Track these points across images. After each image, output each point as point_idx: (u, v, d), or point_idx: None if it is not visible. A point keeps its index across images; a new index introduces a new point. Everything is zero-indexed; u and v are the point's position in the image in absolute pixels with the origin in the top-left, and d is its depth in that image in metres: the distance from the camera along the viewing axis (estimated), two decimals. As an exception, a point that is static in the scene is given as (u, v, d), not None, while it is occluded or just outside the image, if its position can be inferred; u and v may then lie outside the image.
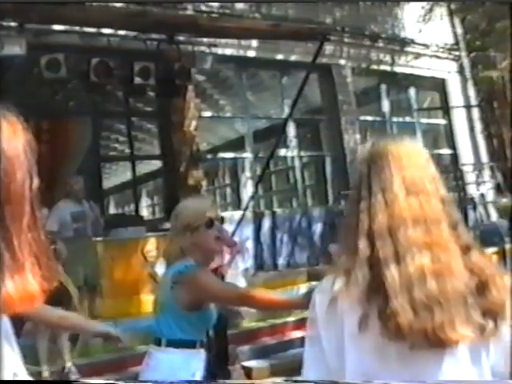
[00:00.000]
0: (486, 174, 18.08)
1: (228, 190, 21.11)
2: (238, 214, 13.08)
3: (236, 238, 11.10)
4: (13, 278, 1.20)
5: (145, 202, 22.39)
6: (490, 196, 17.19)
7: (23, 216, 1.24)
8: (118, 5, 12.12)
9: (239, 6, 14.21)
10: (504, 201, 16.76)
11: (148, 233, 11.14)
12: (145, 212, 21.53)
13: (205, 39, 11.51)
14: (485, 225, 15.26)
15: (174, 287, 3.56)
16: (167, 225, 10.75)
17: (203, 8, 13.44)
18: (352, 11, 16.05)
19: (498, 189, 17.53)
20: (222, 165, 19.72)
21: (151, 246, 10.52)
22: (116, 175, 20.60)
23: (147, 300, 8.89)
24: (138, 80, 9.98)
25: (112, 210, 22.45)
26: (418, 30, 16.40)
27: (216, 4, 13.79)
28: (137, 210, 15.18)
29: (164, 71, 10.47)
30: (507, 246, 12.58)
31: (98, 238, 10.09)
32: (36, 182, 1.30)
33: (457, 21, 18.25)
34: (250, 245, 13.65)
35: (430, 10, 16.26)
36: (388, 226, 1.76)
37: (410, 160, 1.87)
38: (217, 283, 3.96)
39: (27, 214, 1.25)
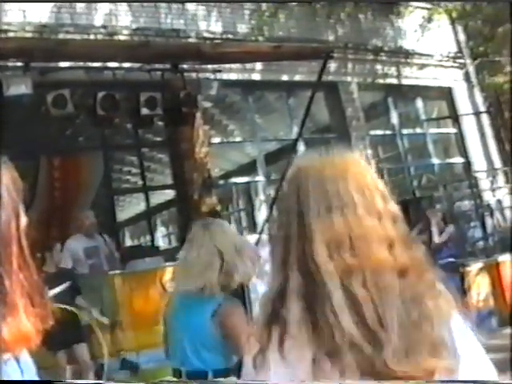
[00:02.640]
0: (501, 179, 17.98)
1: (243, 215, 21.08)
2: (253, 237, 13.04)
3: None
4: (6, 320, 1.17)
5: (160, 232, 22.36)
6: (507, 201, 17.07)
7: (12, 256, 1.21)
8: (122, 37, 12.27)
9: (242, 30, 14.29)
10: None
11: (165, 262, 11.12)
12: (161, 242, 21.49)
13: (209, 66, 11.56)
14: (503, 230, 15.15)
15: (214, 318, 3.51)
16: (184, 253, 10.82)
17: (206, 35, 13.53)
18: (353, 27, 16.10)
19: (515, 193, 17.42)
20: (236, 189, 19.71)
21: (169, 275, 10.49)
22: (130, 207, 20.62)
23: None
24: (144, 111, 10.01)
25: (128, 242, 22.44)
26: (420, 41, 16.44)
27: (219, 30, 13.89)
28: (152, 241, 15.19)
29: (170, 100, 10.51)
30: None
31: (115, 272, 10.07)
32: (24, 220, 1.27)
33: (459, 28, 18.27)
34: (267, 268, 13.56)
35: (429, 18, 16.28)
36: (301, 253, 1.55)
37: (335, 172, 1.60)
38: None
39: (16, 254, 1.23)
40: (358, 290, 1.47)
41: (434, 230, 11.17)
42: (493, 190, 17.13)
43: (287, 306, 1.52)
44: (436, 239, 11.04)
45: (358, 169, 1.63)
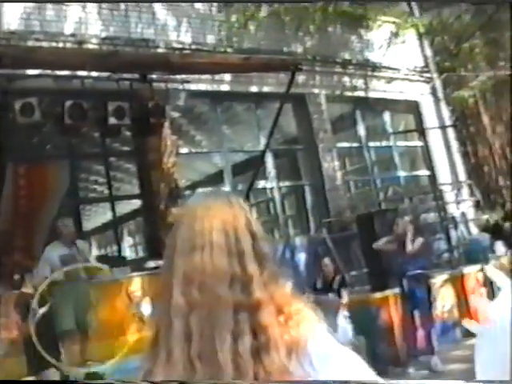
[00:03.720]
0: (465, 192, 18.20)
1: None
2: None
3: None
4: None
5: (127, 242, 22.25)
6: (471, 214, 17.29)
7: None
8: (91, 46, 12.21)
9: (211, 40, 14.31)
10: (484, 217, 16.87)
11: (132, 273, 11.06)
12: (128, 252, 21.40)
13: (177, 76, 11.55)
14: (468, 242, 15.33)
15: None
16: (151, 263, 10.77)
17: (175, 45, 13.53)
18: (322, 39, 16.20)
19: (478, 206, 17.65)
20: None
21: (136, 286, 10.43)
22: (96, 216, 20.48)
23: (134, 340, 8.85)
24: (112, 120, 9.97)
25: (94, 252, 22.29)
26: (388, 55, 16.61)
27: (188, 40, 13.89)
28: (119, 251, 15.09)
29: (138, 110, 10.48)
30: (492, 263, 12.58)
31: (86, 281, 10.01)
32: None
33: (426, 43, 18.49)
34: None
35: (397, 33, 16.46)
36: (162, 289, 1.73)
37: (204, 214, 1.74)
38: None
39: None
40: (193, 325, 1.61)
41: (408, 239, 11.25)
42: (457, 203, 17.33)
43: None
44: (409, 247, 11.13)
45: (230, 211, 1.74)
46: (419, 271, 11.02)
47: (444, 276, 13.15)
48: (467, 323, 3.38)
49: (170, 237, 1.77)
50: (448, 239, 15.30)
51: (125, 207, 17.78)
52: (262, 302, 1.63)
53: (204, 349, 1.60)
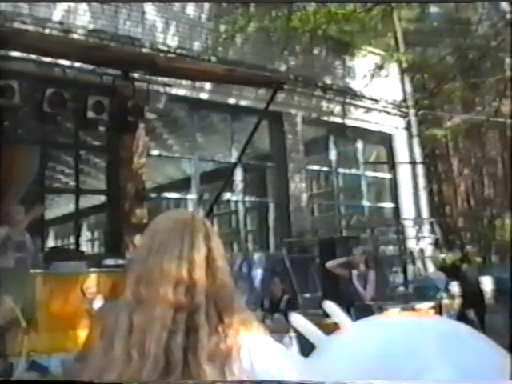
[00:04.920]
0: (426, 229, 18.41)
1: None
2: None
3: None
4: None
5: (85, 236, 22.07)
6: (429, 251, 17.49)
7: None
8: (76, 36, 12.14)
9: (196, 47, 14.33)
10: (441, 256, 17.07)
11: (89, 268, 10.95)
12: (84, 247, 21.22)
13: (160, 78, 11.53)
14: (423, 279, 15.47)
15: None
16: (109, 261, 10.68)
17: (160, 47, 13.52)
18: (306, 60, 16.33)
19: (437, 244, 17.86)
20: (166, 204, 19.64)
21: (91, 281, 10.34)
22: (58, 207, 20.30)
23: (83, 335, 8.77)
24: (91, 114, 9.90)
25: (51, 243, 22.06)
26: (369, 85, 16.78)
27: (174, 44, 13.89)
28: (78, 244, 14.95)
29: (117, 107, 10.42)
30: (445, 301, 12.74)
31: (38, 271, 9.88)
32: None
33: (406, 79, 18.72)
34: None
35: (381, 66, 16.66)
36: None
37: (168, 224, 1.95)
38: None
39: None
40: (135, 320, 1.78)
41: (354, 273, 11.31)
42: (417, 239, 17.52)
43: None
44: (355, 283, 11.19)
45: (190, 224, 1.93)
46: (368, 302, 11.08)
47: (396, 309, 13.24)
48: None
49: (138, 245, 1.97)
50: (404, 273, 15.44)
51: (87, 201, 17.64)
52: (201, 306, 1.77)
53: (142, 342, 1.74)
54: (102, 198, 15.01)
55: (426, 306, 13.38)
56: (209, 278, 1.82)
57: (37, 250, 9.82)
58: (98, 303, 9.74)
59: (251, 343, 1.76)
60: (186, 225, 1.92)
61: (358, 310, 10.97)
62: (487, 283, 13.49)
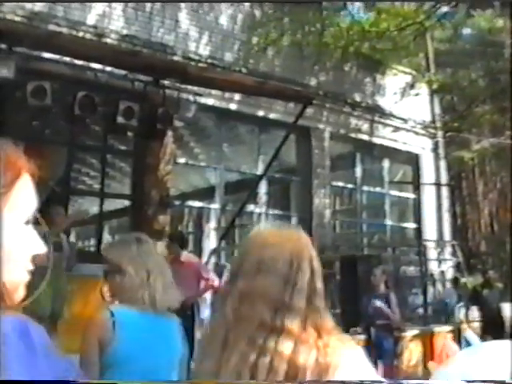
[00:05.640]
0: (448, 251, 18.29)
1: (190, 239, 21.01)
2: (199, 263, 13.02)
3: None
4: None
5: (105, 239, 22.11)
6: (450, 274, 17.36)
7: None
8: (110, 40, 12.23)
9: (228, 58, 14.36)
10: (463, 280, 16.92)
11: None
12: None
13: (190, 87, 11.55)
14: (443, 302, 15.37)
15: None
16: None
17: (192, 56, 13.57)
18: (336, 76, 16.32)
19: (458, 268, 17.71)
20: (188, 212, 19.65)
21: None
22: (81, 208, 20.36)
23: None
24: (120, 119, 9.93)
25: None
26: (398, 104, 16.74)
27: (205, 53, 13.94)
28: (99, 247, 14.98)
29: (147, 114, 10.45)
30: (464, 326, 12.62)
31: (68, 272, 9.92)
32: None
33: (436, 100, 18.66)
34: (208, 296, 13.53)
35: (412, 85, 16.61)
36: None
37: (275, 242, 1.93)
38: None
39: None
40: (231, 338, 1.84)
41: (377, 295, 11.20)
42: (439, 261, 17.40)
43: None
44: (377, 304, 11.09)
45: (298, 243, 1.93)
46: (388, 321, 10.99)
47: (415, 331, 13.16)
48: (431, 366, 3.53)
49: (239, 257, 1.99)
50: (424, 295, 15.33)
51: (110, 205, 17.69)
52: (294, 329, 1.81)
53: (229, 358, 1.81)
54: (126, 203, 15.04)
55: (444, 329, 13.32)
56: (307, 302, 1.86)
57: (72, 253, 9.82)
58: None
59: (347, 362, 1.80)
60: (294, 244, 1.92)
61: (378, 329, 10.92)
62: (508, 310, 13.35)
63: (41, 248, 1.42)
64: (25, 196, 1.38)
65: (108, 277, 3.62)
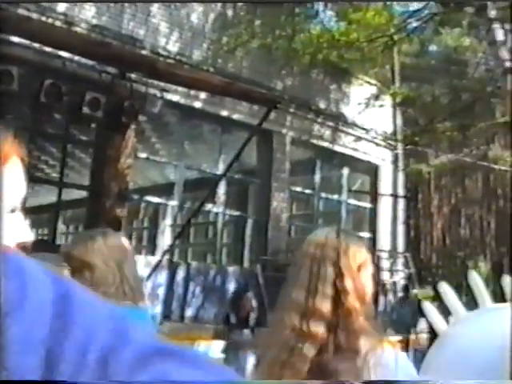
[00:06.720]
0: (400, 262, 18.49)
1: (145, 234, 20.94)
2: (152, 259, 13.00)
3: (149, 284, 11.04)
4: None
5: (59, 229, 21.89)
6: (401, 285, 17.54)
7: None
8: (79, 29, 12.11)
9: (196, 56, 14.34)
10: (414, 292, 17.11)
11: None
12: (57, 239, 21.07)
13: (157, 82, 11.49)
14: (392, 312, 15.51)
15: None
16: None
17: (160, 51, 13.51)
18: (303, 82, 16.40)
19: (410, 279, 17.91)
20: (145, 208, 19.57)
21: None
22: (36, 196, 20.13)
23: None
24: (86, 110, 9.85)
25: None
26: (361, 114, 16.88)
27: (174, 49, 13.89)
28: (54, 237, 14.86)
29: (113, 106, 10.38)
30: (412, 337, 12.79)
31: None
32: None
33: (398, 112, 18.86)
34: (161, 292, 13.51)
35: (377, 96, 16.76)
36: None
37: (304, 249, 2.03)
38: None
39: None
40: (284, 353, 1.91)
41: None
42: (391, 272, 17.58)
43: None
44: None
45: (323, 248, 1.98)
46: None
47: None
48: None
49: (297, 267, 2.02)
50: (376, 305, 15.46)
51: (67, 195, 17.52)
52: (319, 334, 1.89)
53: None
54: (83, 194, 14.92)
55: (394, 339, 13.43)
56: (335, 305, 1.91)
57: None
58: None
59: (381, 359, 1.84)
60: (316, 250, 1.98)
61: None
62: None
63: (28, 236, 1.39)
64: (12, 182, 1.36)
65: (75, 275, 3.56)
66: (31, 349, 0.63)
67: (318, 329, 1.88)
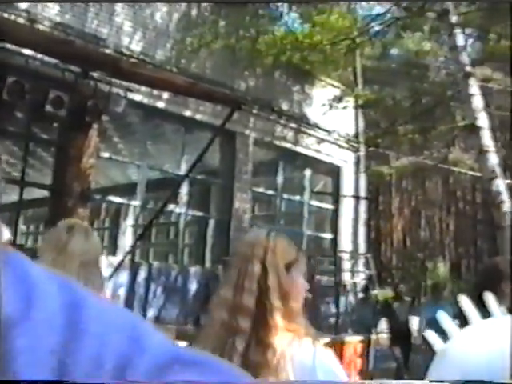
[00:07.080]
0: (361, 263, 18.63)
1: (106, 234, 20.80)
2: (114, 259, 12.94)
3: (110, 284, 11.01)
4: None
5: (19, 229, 21.66)
6: (362, 285, 17.68)
7: None
8: (42, 27, 12.01)
9: (160, 56, 14.31)
10: (374, 293, 17.27)
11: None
12: (17, 239, 20.84)
13: (120, 82, 11.45)
14: (354, 312, 15.65)
15: None
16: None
17: (124, 50, 13.46)
18: (266, 83, 16.45)
19: (370, 280, 18.06)
20: (106, 208, 19.46)
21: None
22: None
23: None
24: (49, 108, 9.79)
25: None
26: (324, 116, 16.98)
27: (137, 49, 13.85)
28: (15, 237, 14.67)
29: (77, 105, 10.32)
30: (373, 337, 12.90)
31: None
32: None
33: (360, 115, 19.02)
34: (121, 292, 13.45)
35: (340, 99, 16.88)
36: None
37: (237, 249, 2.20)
38: None
39: None
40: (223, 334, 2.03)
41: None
42: (352, 273, 17.71)
43: None
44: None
45: (252, 248, 2.05)
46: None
47: (326, 340, 13.33)
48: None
49: (229, 266, 2.16)
50: (337, 305, 15.59)
51: (28, 194, 17.33)
52: (245, 330, 1.98)
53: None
54: (45, 193, 14.79)
55: (355, 339, 13.54)
56: (259, 302, 1.99)
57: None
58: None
59: (300, 352, 1.90)
60: (247, 249, 2.07)
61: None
62: (415, 323, 13.71)
63: (4, 234, 1.39)
64: None
65: None
66: (42, 361, 0.59)
67: (245, 324, 1.97)
